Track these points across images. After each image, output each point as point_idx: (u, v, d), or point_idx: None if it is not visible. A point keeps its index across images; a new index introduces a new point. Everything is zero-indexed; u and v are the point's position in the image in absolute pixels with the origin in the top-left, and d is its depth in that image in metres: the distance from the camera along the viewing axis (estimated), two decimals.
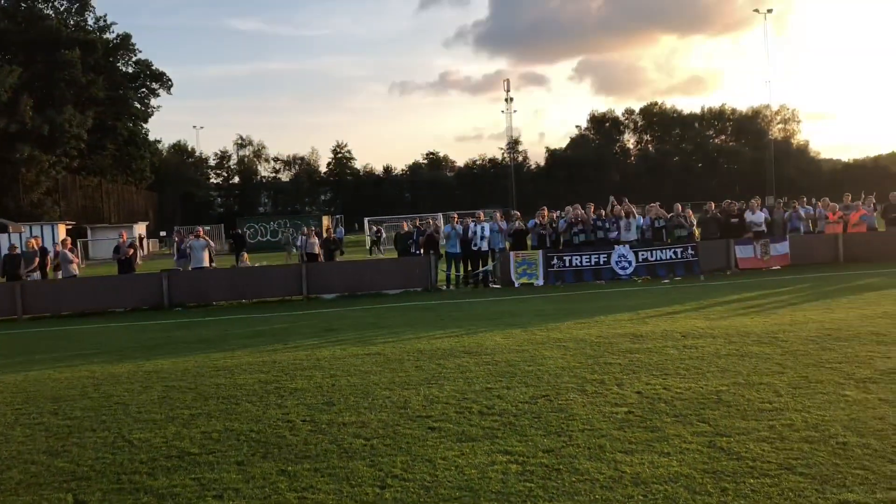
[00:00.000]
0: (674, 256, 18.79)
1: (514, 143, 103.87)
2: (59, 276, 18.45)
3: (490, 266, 18.95)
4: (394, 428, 6.42)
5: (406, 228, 20.07)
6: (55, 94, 54.39)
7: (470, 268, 19.00)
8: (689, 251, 18.89)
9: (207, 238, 19.10)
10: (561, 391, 7.42)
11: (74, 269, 18.38)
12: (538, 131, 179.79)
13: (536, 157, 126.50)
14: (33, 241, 18.87)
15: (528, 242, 19.47)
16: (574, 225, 18.97)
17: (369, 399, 7.49)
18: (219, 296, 17.49)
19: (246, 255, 25.84)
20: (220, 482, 5.25)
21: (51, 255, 19.63)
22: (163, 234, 61.37)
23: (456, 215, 19.23)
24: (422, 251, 19.16)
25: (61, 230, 46.44)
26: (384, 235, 38.33)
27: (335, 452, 5.81)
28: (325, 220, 53.99)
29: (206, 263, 18.09)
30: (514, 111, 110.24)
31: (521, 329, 11.67)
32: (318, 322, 13.91)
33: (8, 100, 49.54)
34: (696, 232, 20.20)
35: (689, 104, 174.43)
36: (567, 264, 18.46)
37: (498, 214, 20.58)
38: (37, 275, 18.29)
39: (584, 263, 18.47)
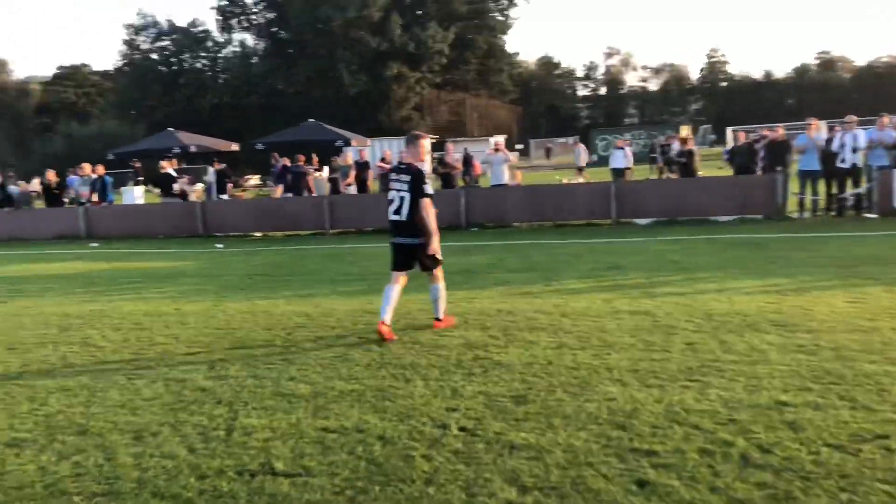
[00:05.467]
0: None
1: None
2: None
3: (863, 188, 14.24)
4: (580, 469, 3.87)
5: (743, 139, 15.92)
6: (421, 12, 56.74)
7: (834, 190, 14.51)
8: None
9: (506, 152, 17.28)
10: None
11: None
12: None
13: None
14: (348, 155, 18.88)
15: None
16: None
17: (581, 398, 4.93)
18: (517, 216, 15.64)
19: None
20: None
21: (373, 170, 19.59)
22: (519, 146, 61.90)
23: (815, 121, 14.60)
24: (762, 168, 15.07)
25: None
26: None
27: None
28: (684, 130, 49.34)
29: (506, 180, 16.32)
30: None
31: (884, 288, 7.85)
32: (607, 256, 11.29)
33: (379, 19, 52.88)
34: None
35: None
36: None
37: (885, 119, 15.31)
38: (353, 188, 18.25)
39: None
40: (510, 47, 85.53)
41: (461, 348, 6.31)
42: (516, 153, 63.25)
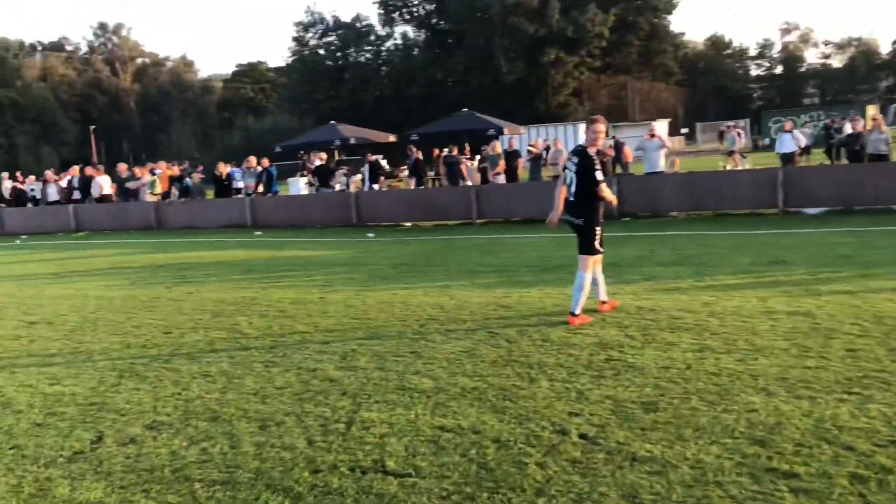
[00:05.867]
0: None
1: None
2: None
3: None
4: (707, 488, 3.54)
5: None
6: None
7: None
8: None
9: (662, 137, 16.45)
10: None
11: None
12: None
13: None
14: (496, 144, 18.74)
15: None
16: None
17: (718, 408, 4.53)
18: (673, 205, 14.86)
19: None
20: None
21: (523, 158, 19.39)
22: (684, 130, 59.14)
23: None
24: None
25: (581, 130, 47.83)
26: None
27: None
28: (871, 109, 45.14)
29: (662, 167, 15.53)
30: None
31: None
32: (769, 249, 10.46)
33: (537, 5, 52.25)
34: None
35: None
36: None
37: None
38: (502, 177, 18.13)
39: None
40: (675, 27, 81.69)
41: (593, 348, 6.01)
42: (681, 137, 60.58)
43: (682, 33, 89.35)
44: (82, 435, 4.85)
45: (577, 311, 6.83)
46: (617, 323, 6.75)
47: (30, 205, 23.70)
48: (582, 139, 7.31)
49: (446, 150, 20.47)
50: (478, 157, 21.89)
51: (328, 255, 13.40)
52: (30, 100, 70.43)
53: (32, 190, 24.27)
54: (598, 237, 6.91)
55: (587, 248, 6.90)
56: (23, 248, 18.60)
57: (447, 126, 26.38)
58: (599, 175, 6.78)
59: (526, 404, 4.85)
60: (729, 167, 21.84)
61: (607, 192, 6.92)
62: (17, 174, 26.21)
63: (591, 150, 6.87)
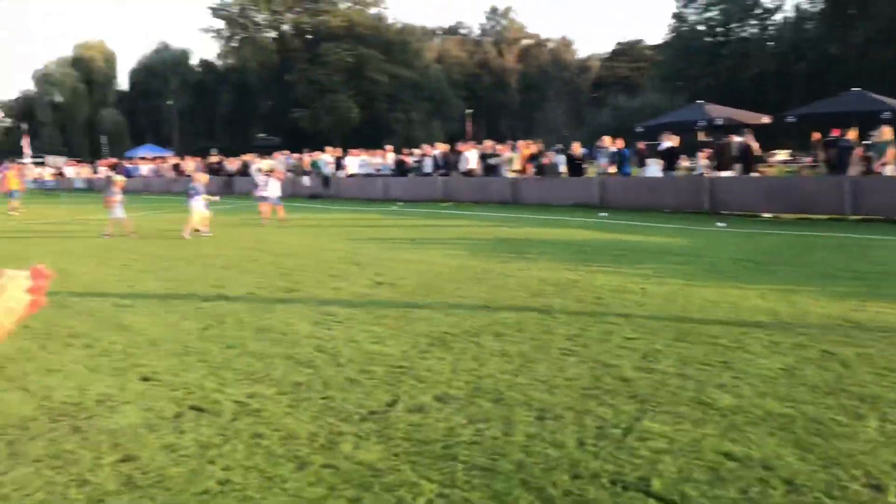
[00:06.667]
0: None
1: None
2: None
3: None
4: None
5: None
6: None
7: None
8: None
9: None
10: None
11: None
12: None
13: None
14: (886, 129, 16.09)
15: None
16: None
17: None
18: None
19: None
20: None
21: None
22: None
23: None
24: None
25: None
26: None
27: None
28: None
29: None
30: None
31: None
32: None
33: None
34: None
35: None
36: None
37: None
38: (890, 168, 15.60)
39: None
40: None
41: None
42: None
43: None
44: (381, 396, 5.21)
45: None
46: None
47: (411, 175, 26.49)
48: None
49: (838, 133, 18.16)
50: (864, 143, 19.11)
51: (667, 242, 12.79)
52: (427, 80, 78.58)
53: (417, 162, 27.08)
54: None
55: None
56: (396, 214, 20.88)
57: (830, 107, 23.45)
58: None
59: (840, 445, 4.07)
60: None
61: None
62: (403, 150, 29.55)
63: None
